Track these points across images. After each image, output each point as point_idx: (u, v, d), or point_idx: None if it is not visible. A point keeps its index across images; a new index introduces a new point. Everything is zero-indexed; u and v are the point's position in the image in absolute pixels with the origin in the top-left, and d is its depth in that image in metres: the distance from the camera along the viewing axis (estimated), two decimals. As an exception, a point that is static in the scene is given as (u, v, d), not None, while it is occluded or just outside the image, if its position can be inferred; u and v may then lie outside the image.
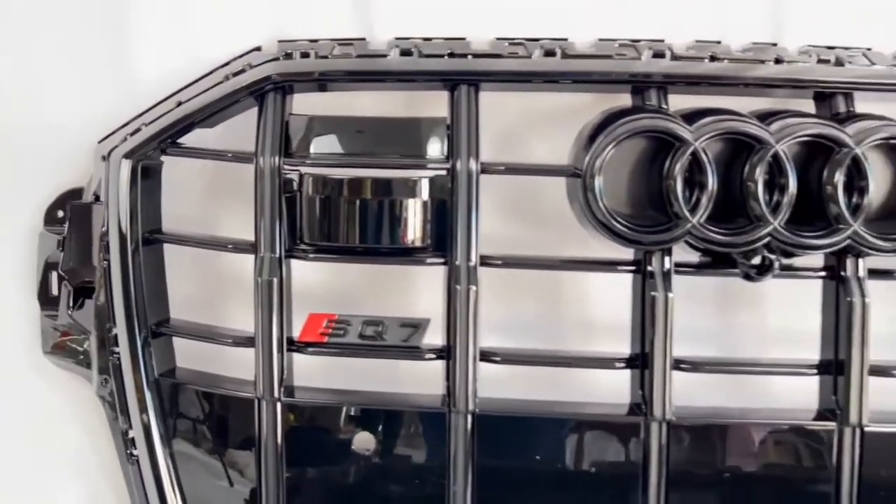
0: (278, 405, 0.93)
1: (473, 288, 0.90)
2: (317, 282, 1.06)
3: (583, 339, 1.06)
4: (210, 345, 1.00)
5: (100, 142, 1.06)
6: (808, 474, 0.92)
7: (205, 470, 0.98)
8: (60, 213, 1.08)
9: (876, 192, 0.90)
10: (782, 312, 1.04)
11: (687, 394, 0.98)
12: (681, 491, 0.91)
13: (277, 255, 0.93)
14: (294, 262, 0.97)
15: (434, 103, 0.99)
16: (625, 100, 0.97)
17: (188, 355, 1.05)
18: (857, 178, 0.88)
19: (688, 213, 0.87)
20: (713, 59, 0.95)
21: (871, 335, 0.92)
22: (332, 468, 0.95)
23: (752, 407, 0.97)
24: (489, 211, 1.04)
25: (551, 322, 1.07)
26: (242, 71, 0.99)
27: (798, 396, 0.98)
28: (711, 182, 0.87)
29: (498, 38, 1.00)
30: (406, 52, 0.97)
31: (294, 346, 0.95)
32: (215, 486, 0.98)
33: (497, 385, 0.98)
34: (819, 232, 0.88)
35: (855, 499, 0.90)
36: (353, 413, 0.94)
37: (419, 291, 1.05)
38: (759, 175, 0.87)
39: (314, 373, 1.00)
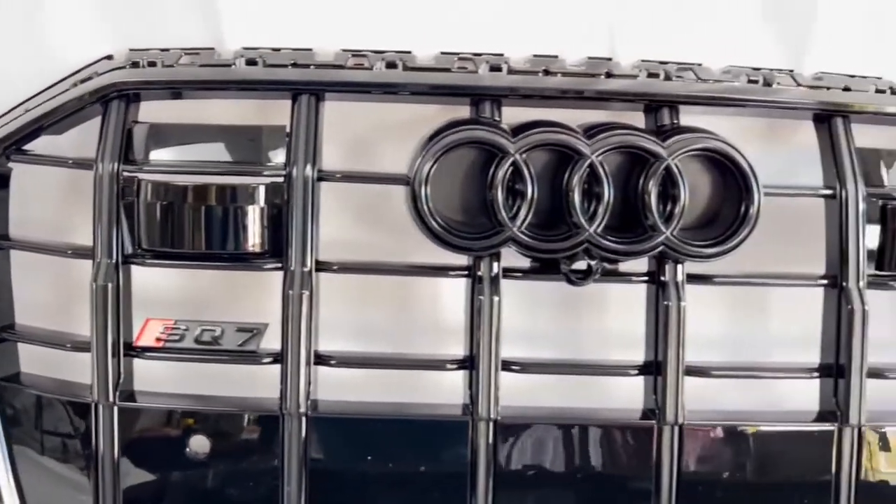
0: (115, 409, 0.94)
1: (306, 293, 0.93)
2: (176, 287, 1.08)
3: (433, 342, 1.09)
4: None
5: (-47, 148, 1.08)
6: (632, 472, 0.95)
7: (46, 474, 0.98)
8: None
9: (692, 200, 0.94)
10: (623, 315, 1.10)
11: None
12: (509, 489, 0.94)
13: (114, 261, 0.94)
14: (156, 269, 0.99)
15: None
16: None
17: (57, 362, 1.05)
18: (671, 188, 0.93)
19: (508, 221, 0.91)
20: (547, 73, 0.99)
21: (688, 336, 0.96)
22: (168, 471, 0.96)
23: (586, 407, 1.01)
24: (345, 217, 1.08)
25: (403, 326, 1.09)
26: (90, 78, 1.01)
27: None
28: (531, 191, 0.91)
29: (344, 50, 1.03)
30: (251, 62, 0.99)
31: (132, 351, 0.96)
32: (56, 490, 0.98)
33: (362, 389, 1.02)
34: (635, 238, 0.93)
35: (673, 494, 0.94)
36: (190, 417, 0.96)
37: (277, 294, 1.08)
38: (577, 184, 0.91)
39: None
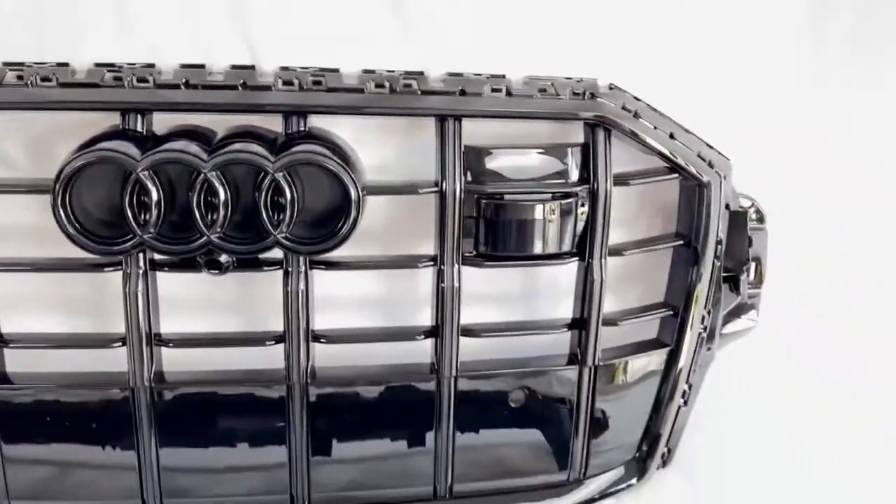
0: None
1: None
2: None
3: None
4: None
5: None
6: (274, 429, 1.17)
7: None
8: None
9: (313, 199, 1.09)
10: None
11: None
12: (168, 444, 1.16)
13: None
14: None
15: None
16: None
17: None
18: (281, 197, 1.09)
19: (137, 228, 1.07)
20: (188, 85, 1.09)
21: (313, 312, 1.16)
22: None
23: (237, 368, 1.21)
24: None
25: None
26: None
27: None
28: (155, 201, 1.06)
29: (5, 63, 1.11)
30: None
31: None
32: None
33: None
34: (254, 238, 1.09)
35: (305, 449, 1.16)
36: None
37: None
38: (195, 196, 1.06)
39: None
